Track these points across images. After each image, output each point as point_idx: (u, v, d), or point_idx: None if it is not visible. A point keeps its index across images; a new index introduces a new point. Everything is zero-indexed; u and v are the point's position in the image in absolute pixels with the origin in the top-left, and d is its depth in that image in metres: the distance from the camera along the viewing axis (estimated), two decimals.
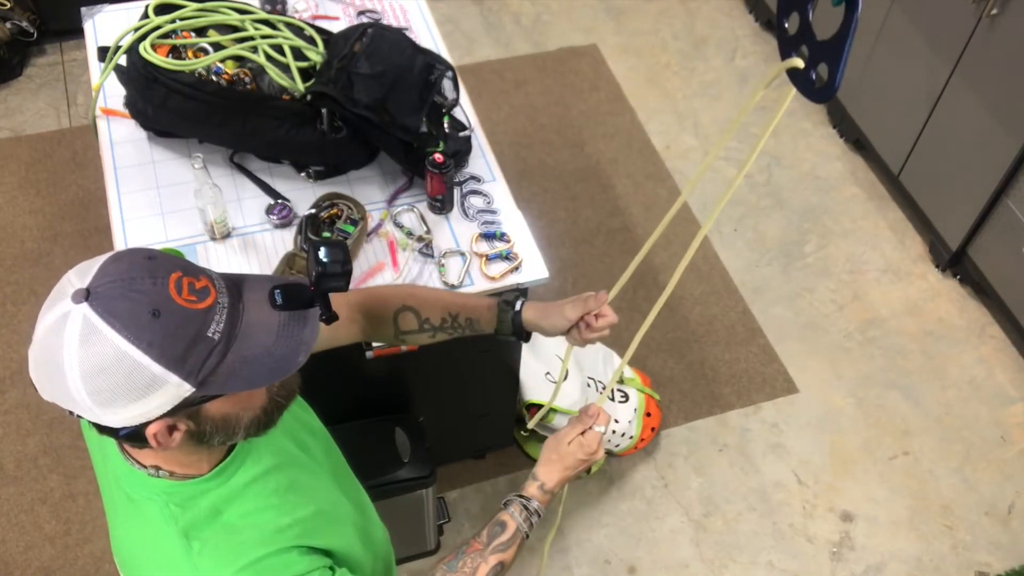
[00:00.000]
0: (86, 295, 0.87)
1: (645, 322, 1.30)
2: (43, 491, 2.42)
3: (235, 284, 0.97)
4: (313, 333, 0.98)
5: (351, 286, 1.06)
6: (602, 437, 1.33)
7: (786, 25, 1.04)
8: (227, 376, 0.92)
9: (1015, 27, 2.46)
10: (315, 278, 0.99)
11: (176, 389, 0.89)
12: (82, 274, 0.90)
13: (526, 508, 1.27)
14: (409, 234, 1.93)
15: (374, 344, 1.81)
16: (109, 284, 0.88)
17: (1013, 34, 2.47)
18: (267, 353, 0.94)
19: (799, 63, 0.99)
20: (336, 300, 1.34)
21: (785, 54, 1.02)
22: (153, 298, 0.88)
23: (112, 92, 2.08)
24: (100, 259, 0.92)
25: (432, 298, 1.39)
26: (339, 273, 1.00)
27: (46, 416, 2.54)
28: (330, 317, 1.00)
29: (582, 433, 1.32)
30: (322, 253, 0.99)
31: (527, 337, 1.39)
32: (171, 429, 0.95)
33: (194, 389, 0.90)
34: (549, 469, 1.30)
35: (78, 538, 2.34)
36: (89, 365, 0.86)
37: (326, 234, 1.85)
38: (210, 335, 0.90)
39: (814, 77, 0.99)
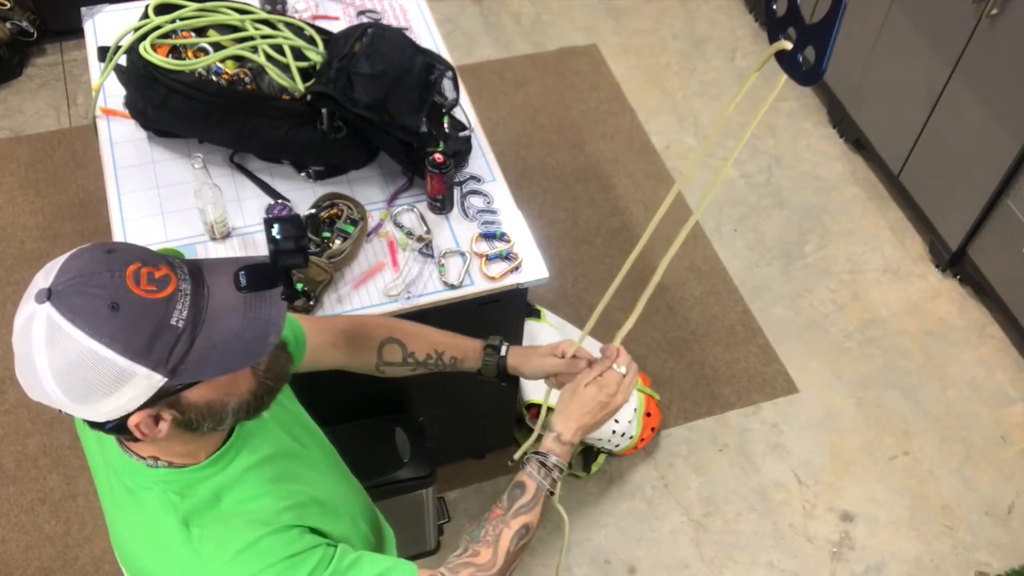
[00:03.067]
0: (48, 295, 0.88)
1: (634, 312, 1.28)
2: (43, 491, 2.42)
3: (197, 269, 0.97)
4: (281, 312, 0.98)
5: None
6: (623, 379, 1.27)
7: (774, 7, 1.04)
8: (198, 363, 0.92)
9: (1015, 27, 2.46)
10: (271, 256, 0.99)
11: (147, 380, 0.90)
12: (46, 274, 0.91)
13: (544, 464, 1.22)
14: (409, 234, 1.93)
15: None
16: (68, 281, 0.89)
17: (1013, 34, 2.47)
18: (236, 336, 0.94)
19: (786, 45, 1.00)
20: (323, 325, 1.36)
21: (773, 37, 1.02)
22: (111, 292, 0.89)
23: (112, 92, 2.08)
24: (63, 257, 0.93)
25: (418, 333, 1.41)
26: (293, 249, 1.00)
27: (46, 416, 2.53)
28: (291, 295, 1.00)
29: (600, 375, 1.28)
30: (275, 230, 0.99)
31: (509, 379, 1.41)
32: (156, 419, 0.96)
33: (166, 379, 0.91)
34: (565, 417, 1.26)
35: (78, 538, 2.34)
36: (58, 364, 0.88)
37: (326, 234, 1.85)
38: (173, 323, 0.91)
39: (801, 60, 0.99)
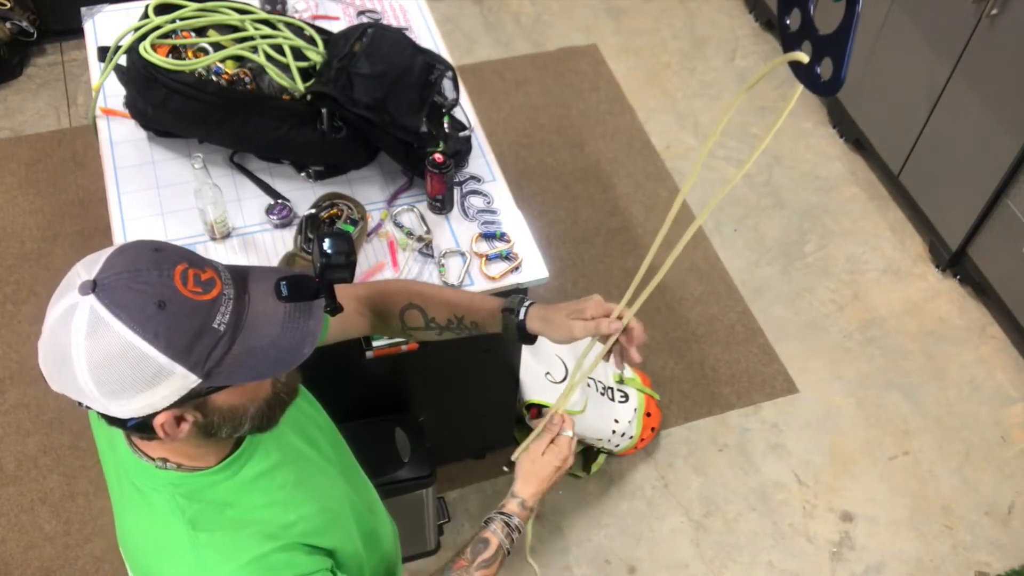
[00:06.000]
0: (93, 287, 0.88)
1: (634, 305, 1.27)
2: (43, 491, 2.42)
3: (240, 276, 0.98)
4: (318, 325, 0.98)
5: (356, 280, 1.06)
6: (572, 441, 1.34)
7: (787, 22, 1.05)
8: (233, 367, 0.93)
9: (1015, 27, 2.46)
10: (320, 269, 0.99)
11: (182, 380, 0.90)
12: (89, 266, 0.91)
13: (507, 524, 1.27)
14: (409, 234, 1.93)
15: (374, 344, 1.81)
16: (115, 276, 0.89)
17: (1013, 34, 2.47)
18: (273, 344, 0.95)
19: (802, 57, 1.00)
20: (345, 294, 1.35)
21: (788, 50, 1.03)
22: (159, 289, 0.89)
23: (112, 92, 2.08)
24: (107, 251, 0.93)
25: (438, 297, 1.39)
26: (343, 264, 1.00)
27: (46, 416, 2.54)
28: (335, 308, 1.01)
29: (552, 442, 1.33)
30: (327, 244, 1.00)
31: (533, 340, 1.37)
32: (179, 420, 0.96)
33: (200, 380, 0.91)
34: (526, 484, 1.31)
35: (78, 538, 2.34)
36: (96, 356, 0.87)
37: None
38: (216, 326, 0.91)
39: (819, 71, 0.99)
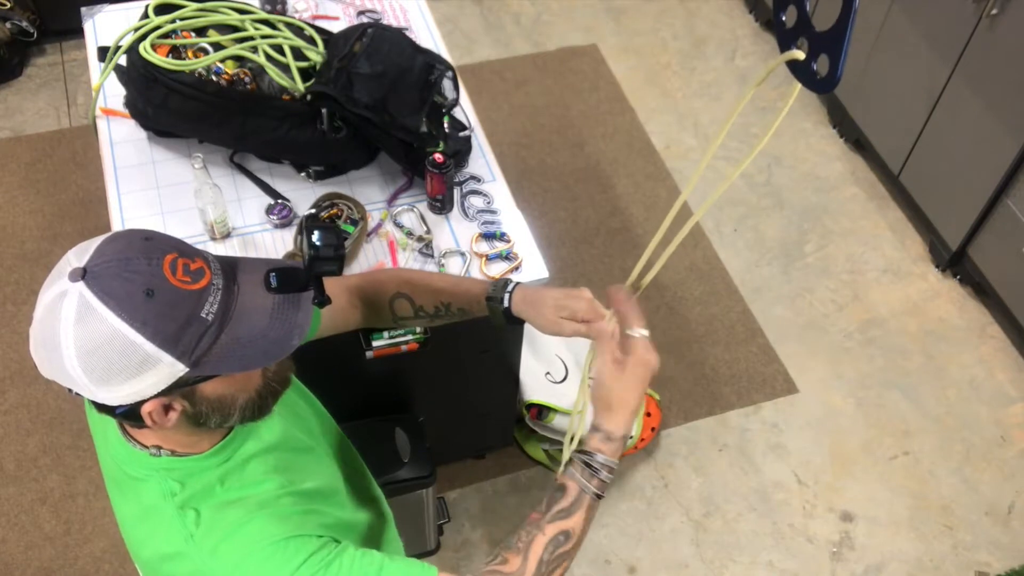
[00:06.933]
0: (83, 274, 0.89)
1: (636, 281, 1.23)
2: (43, 491, 2.42)
3: (230, 266, 0.98)
4: (307, 316, 0.99)
5: (348, 272, 1.07)
6: (645, 340, 1.16)
7: (783, 19, 1.05)
8: (221, 357, 0.93)
9: (1015, 27, 2.46)
10: (308, 262, 1.00)
11: (170, 368, 0.91)
12: (80, 253, 0.92)
13: (588, 465, 1.11)
14: (409, 234, 1.93)
15: (374, 344, 1.81)
16: (105, 264, 0.90)
17: (1013, 34, 2.47)
18: (261, 335, 0.95)
19: (799, 55, 1.00)
20: (336, 286, 1.35)
21: (784, 48, 1.03)
22: (148, 278, 0.90)
23: (112, 92, 2.08)
24: (99, 239, 0.94)
25: (425, 285, 1.37)
26: (332, 257, 1.00)
27: (46, 416, 2.53)
28: (323, 301, 1.01)
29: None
30: (315, 237, 1.00)
31: (523, 322, 1.30)
32: (167, 408, 0.97)
33: (188, 369, 0.92)
34: (605, 412, 1.16)
35: (78, 538, 2.34)
36: (84, 343, 0.88)
37: None
38: (204, 316, 0.92)
39: (815, 68, 0.99)
